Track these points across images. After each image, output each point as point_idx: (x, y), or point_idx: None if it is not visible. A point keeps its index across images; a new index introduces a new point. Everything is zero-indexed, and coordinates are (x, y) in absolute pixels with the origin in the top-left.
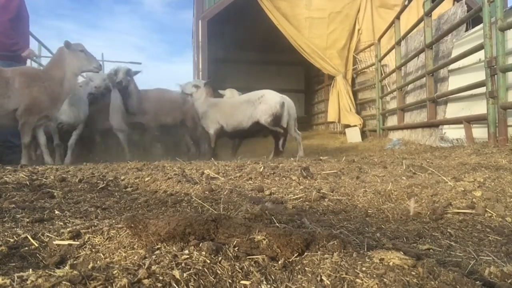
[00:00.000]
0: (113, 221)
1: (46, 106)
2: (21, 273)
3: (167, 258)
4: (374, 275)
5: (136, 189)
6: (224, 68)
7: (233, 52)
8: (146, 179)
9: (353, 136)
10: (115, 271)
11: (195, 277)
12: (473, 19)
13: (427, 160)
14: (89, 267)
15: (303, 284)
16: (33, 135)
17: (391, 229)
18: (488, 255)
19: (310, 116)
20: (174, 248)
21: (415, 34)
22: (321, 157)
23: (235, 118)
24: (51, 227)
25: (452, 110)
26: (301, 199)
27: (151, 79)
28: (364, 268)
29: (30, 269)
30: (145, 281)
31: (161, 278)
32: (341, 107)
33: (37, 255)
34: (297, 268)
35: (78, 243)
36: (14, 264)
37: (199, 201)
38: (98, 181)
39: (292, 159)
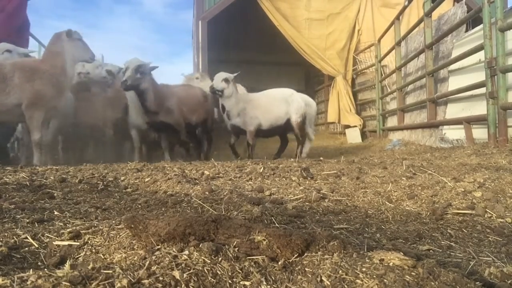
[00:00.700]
0: (113, 221)
1: (52, 96)
2: (21, 274)
3: (167, 258)
4: (374, 276)
5: (136, 190)
6: (224, 68)
7: (233, 52)
8: (146, 179)
9: (353, 136)
10: (115, 272)
11: (195, 278)
12: (473, 20)
13: (427, 161)
14: (89, 267)
15: (303, 285)
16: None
17: (391, 230)
18: (488, 256)
19: None
20: (174, 249)
21: (415, 35)
22: (321, 158)
23: (273, 114)
24: (51, 227)
25: (452, 110)
26: (301, 199)
27: None
28: (364, 269)
29: (30, 270)
30: (145, 282)
31: (161, 278)
32: (341, 108)
33: (37, 255)
34: (297, 268)
35: (78, 243)
36: (14, 264)
37: (199, 201)
38: (98, 182)
39: (292, 159)
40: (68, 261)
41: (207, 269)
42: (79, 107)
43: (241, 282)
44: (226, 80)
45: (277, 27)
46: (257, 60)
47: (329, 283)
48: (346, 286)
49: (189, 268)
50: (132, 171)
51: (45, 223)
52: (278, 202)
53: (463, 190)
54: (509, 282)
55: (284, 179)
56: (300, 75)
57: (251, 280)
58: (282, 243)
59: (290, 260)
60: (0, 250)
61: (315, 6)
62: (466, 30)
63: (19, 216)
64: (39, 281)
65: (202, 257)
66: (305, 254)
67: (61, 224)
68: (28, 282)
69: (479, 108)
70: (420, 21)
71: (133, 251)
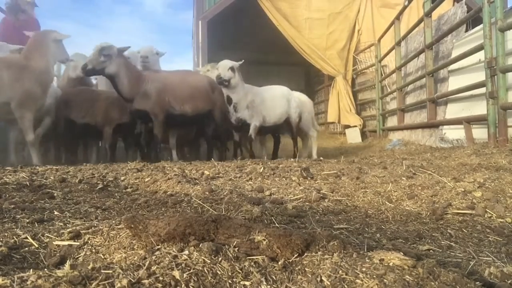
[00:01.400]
0: (113, 221)
1: (40, 96)
2: (21, 274)
3: (167, 258)
4: (374, 276)
5: (136, 190)
6: None
7: (233, 52)
8: (146, 179)
9: (353, 136)
10: (115, 272)
11: (195, 278)
12: (473, 20)
13: (427, 161)
14: (89, 267)
15: (303, 285)
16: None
17: (391, 230)
18: (488, 256)
19: None
20: (174, 249)
21: (415, 35)
22: (321, 158)
23: (277, 111)
24: (51, 227)
25: (452, 110)
26: (301, 199)
27: None
28: (364, 269)
29: (30, 270)
30: (145, 282)
31: (161, 278)
32: (341, 108)
33: (37, 255)
34: (297, 268)
35: (78, 243)
36: (14, 264)
37: (199, 201)
38: (98, 182)
39: (292, 159)
40: (68, 261)
41: (207, 269)
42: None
43: (241, 282)
44: (232, 69)
45: (277, 27)
46: (257, 60)
47: (329, 283)
48: (346, 286)
49: (189, 268)
50: (132, 171)
51: (45, 223)
52: (278, 202)
53: (463, 190)
54: (509, 282)
55: (284, 179)
56: (300, 75)
57: (251, 280)
58: (282, 243)
59: (290, 260)
60: (0, 250)
61: (315, 5)
62: (466, 30)
63: (19, 216)
64: (39, 281)
65: (202, 257)
66: (305, 254)
67: (61, 224)
68: (28, 282)
69: (479, 108)
70: (420, 21)
71: (133, 251)
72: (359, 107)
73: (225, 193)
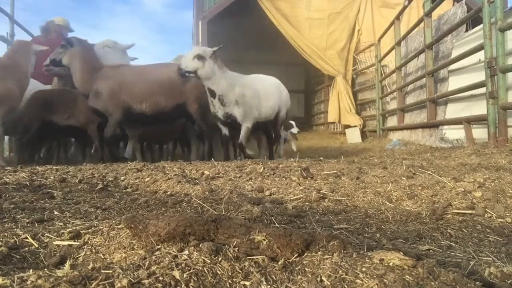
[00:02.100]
0: (113, 221)
1: (18, 98)
2: (21, 274)
3: (167, 258)
4: (374, 276)
5: (136, 190)
6: None
7: (233, 52)
8: (146, 179)
9: (353, 136)
10: (115, 272)
11: (195, 278)
12: (473, 20)
13: (427, 161)
14: (89, 267)
15: (303, 285)
16: None
17: (391, 230)
18: (488, 256)
19: (310, 117)
20: (174, 249)
21: (415, 35)
22: (321, 158)
23: (269, 105)
24: (51, 227)
25: (452, 110)
26: (301, 199)
27: None
28: (364, 269)
29: (30, 270)
30: (145, 282)
31: (161, 278)
32: (341, 108)
33: (37, 255)
34: (297, 268)
35: (78, 243)
36: (14, 264)
37: (199, 201)
38: (98, 182)
39: (292, 159)
40: (68, 261)
41: (207, 269)
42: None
43: (241, 282)
44: (200, 57)
45: (277, 26)
46: (257, 60)
47: (329, 283)
48: (346, 286)
49: (189, 268)
50: (132, 171)
51: (45, 223)
52: (278, 202)
53: (463, 190)
54: (509, 282)
55: (284, 179)
56: (300, 75)
57: (251, 280)
58: (282, 243)
59: (290, 260)
60: (0, 250)
61: (315, 5)
62: (466, 30)
63: (19, 216)
64: (39, 281)
65: (202, 257)
66: (305, 254)
67: (61, 224)
68: (28, 282)
69: (479, 108)
70: (420, 21)
71: (133, 251)
72: (359, 107)
73: (225, 193)
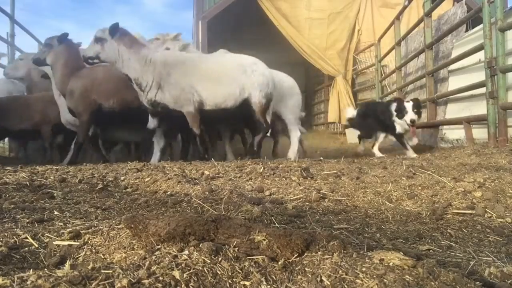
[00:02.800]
0: (113, 221)
1: None
2: (21, 274)
3: (167, 258)
4: (374, 276)
5: (136, 190)
6: None
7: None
8: (146, 179)
9: (354, 136)
10: (115, 272)
11: (195, 278)
12: (473, 20)
13: (427, 161)
14: (89, 267)
15: (303, 285)
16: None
17: (391, 230)
18: (488, 256)
19: (310, 117)
20: (174, 249)
21: (415, 35)
22: (321, 158)
23: (220, 88)
24: (51, 227)
25: (452, 110)
26: (301, 199)
27: None
28: (364, 269)
29: (30, 270)
30: (145, 282)
31: (161, 278)
32: (341, 108)
33: (37, 255)
34: (297, 268)
35: (78, 243)
36: (14, 264)
37: (199, 201)
38: (98, 182)
39: (292, 159)
40: (68, 261)
41: (207, 269)
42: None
43: (241, 282)
44: (98, 40)
45: (277, 26)
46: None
47: (329, 283)
48: (346, 286)
49: (189, 268)
50: (132, 171)
51: (45, 223)
52: (278, 202)
53: (463, 190)
54: (509, 282)
55: (284, 179)
56: (300, 75)
57: (251, 280)
58: (282, 243)
59: (290, 260)
60: (0, 250)
61: (315, 5)
62: (466, 30)
63: (19, 216)
64: (39, 281)
65: (202, 257)
66: (305, 254)
67: (61, 224)
68: (28, 282)
69: (479, 108)
70: (420, 21)
71: (133, 251)
72: None
73: (225, 193)
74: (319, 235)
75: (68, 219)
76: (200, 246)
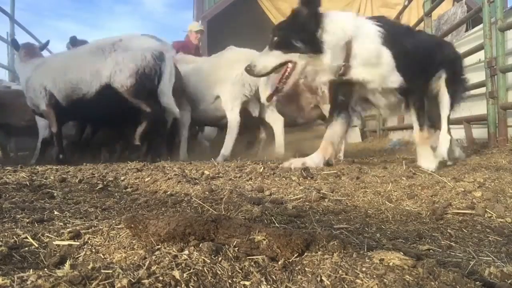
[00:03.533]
0: (113, 221)
1: None
2: (21, 274)
3: (167, 258)
4: (374, 276)
5: (136, 190)
6: None
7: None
8: (146, 179)
9: (353, 136)
10: (115, 272)
11: (195, 278)
12: (473, 20)
13: None
14: (89, 267)
15: (303, 285)
16: None
17: (391, 230)
18: (488, 256)
19: None
20: (174, 249)
21: None
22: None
23: (66, 78)
24: (51, 227)
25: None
26: (301, 199)
27: None
28: (364, 269)
29: (30, 270)
30: (145, 281)
31: (161, 278)
32: None
33: (37, 255)
34: (297, 268)
35: (78, 243)
36: (14, 264)
37: (199, 201)
38: (98, 182)
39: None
40: (68, 261)
41: (207, 269)
42: None
43: (241, 282)
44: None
45: None
46: None
47: (329, 283)
48: (346, 286)
49: (189, 268)
50: (132, 170)
51: (45, 223)
52: (278, 202)
53: (463, 190)
54: (509, 282)
55: (284, 179)
56: None
57: (251, 280)
58: (282, 243)
59: (290, 260)
60: (0, 250)
61: None
62: (466, 30)
63: (19, 216)
64: (39, 281)
65: (202, 257)
66: (305, 254)
67: (61, 224)
68: (28, 282)
69: (479, 108)
70: (420, 21)
71: (133, 251)
72: None
73: (225, 193)
74: (319, 235)
75: (68, 219)
76: (200, 246)
